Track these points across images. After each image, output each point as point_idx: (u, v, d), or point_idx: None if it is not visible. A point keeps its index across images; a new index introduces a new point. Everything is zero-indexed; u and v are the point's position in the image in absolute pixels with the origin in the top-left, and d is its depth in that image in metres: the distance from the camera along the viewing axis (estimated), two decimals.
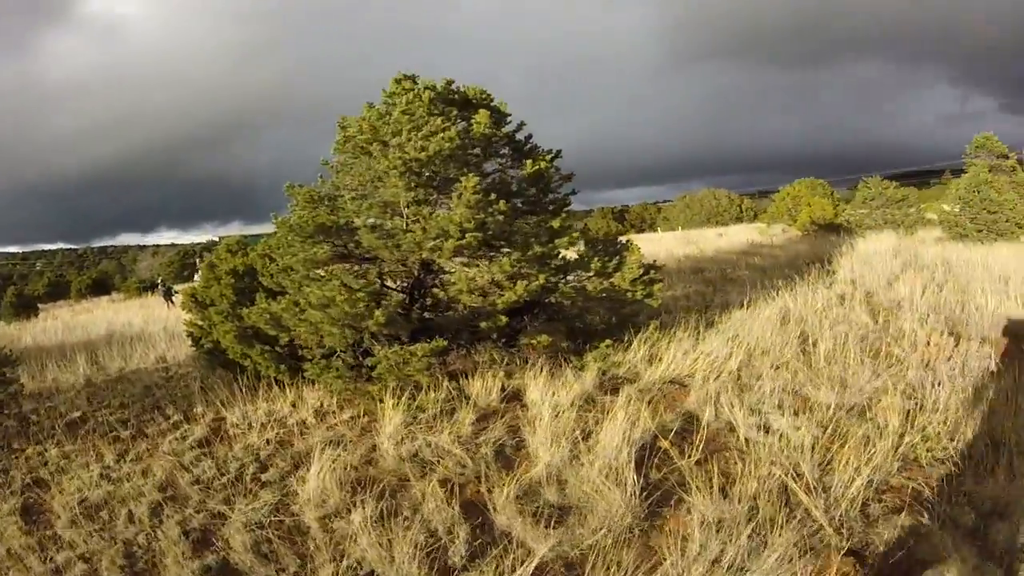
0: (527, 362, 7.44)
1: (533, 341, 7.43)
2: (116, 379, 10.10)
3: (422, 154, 6.52)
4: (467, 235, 6.45)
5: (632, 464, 5.00)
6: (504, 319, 6.99)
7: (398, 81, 7.78)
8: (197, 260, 24.50)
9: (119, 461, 6.49)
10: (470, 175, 6.55)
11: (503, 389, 6.95)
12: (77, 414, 8.16)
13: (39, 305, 35.44)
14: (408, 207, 6.73)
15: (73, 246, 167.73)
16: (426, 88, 7.49)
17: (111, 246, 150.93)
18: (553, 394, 6.55)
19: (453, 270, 7.03)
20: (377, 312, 5.98)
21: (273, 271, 7.28)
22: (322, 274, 6.75)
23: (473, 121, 7.35)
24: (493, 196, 6.60)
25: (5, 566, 4.93)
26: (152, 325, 15.34)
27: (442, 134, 6.67)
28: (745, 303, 10.35)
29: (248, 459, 6.17)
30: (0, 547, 5.17)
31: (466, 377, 7.26)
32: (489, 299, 6.89)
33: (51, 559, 4.94)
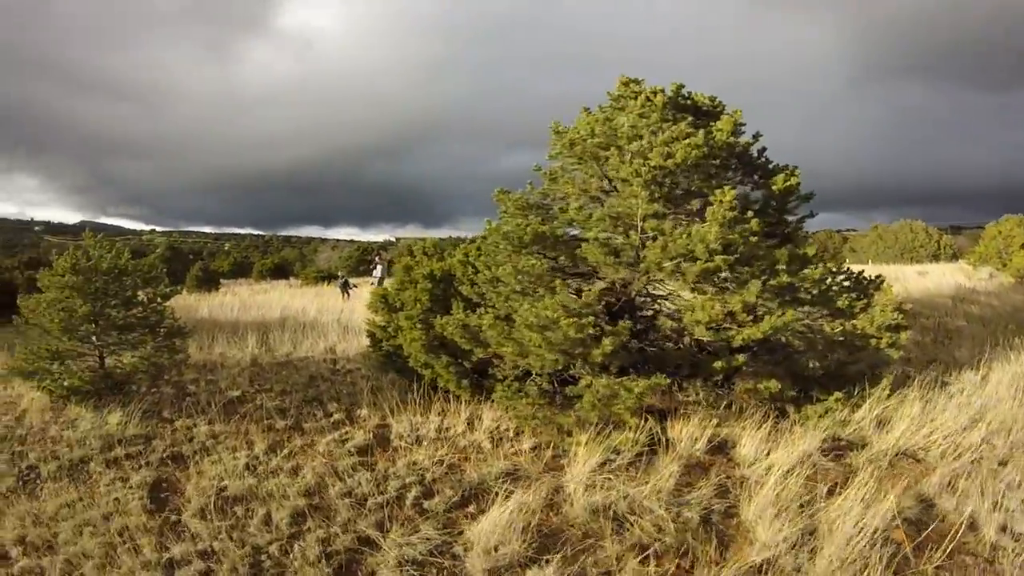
0: (733, 407, 6.53)
1: (757, 386, 6.20)
2: (282, 364, 9.87)
3: (668, 161, 5.51)
4: (716, 257, 5.34)
5: (868, 562, 4.21)
6: (741, 359, 5.86)
7: (625, 84, 6.88)
8: (376, 258, 24.88)
9: (269, 453, 5.98)
10: (726, 188, 5.55)
11: (710, 438, 6.01)
12: (236, 393, 7.87)
13: (221, 280, 38.11)
14: (644, 221, 5.69)
15: (260, 232, 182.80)
16: (656, 92, 6.47)
17: (295, 236, 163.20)
18: (769, 452, 5.72)
19: (683, 297, 5.94)
20: (605, 341, 4.99)
21: (479, 280, 6.49)
22: (541, 291, 5.84)
23: (714, 128, 6.23)
24: (748, 213, 5.45)
25: (114, 546, 4.40)
26: (325, 315, 15.34)
27: (688, 140, 5.61)
28: (976, 363, 8.73)
29: (411, 479, 5.42)
30: (116, 522, 4.69)
31: (665, 418, 6.30)
32: (720, 334, 5.75)
33: (167, 548, 4.39)
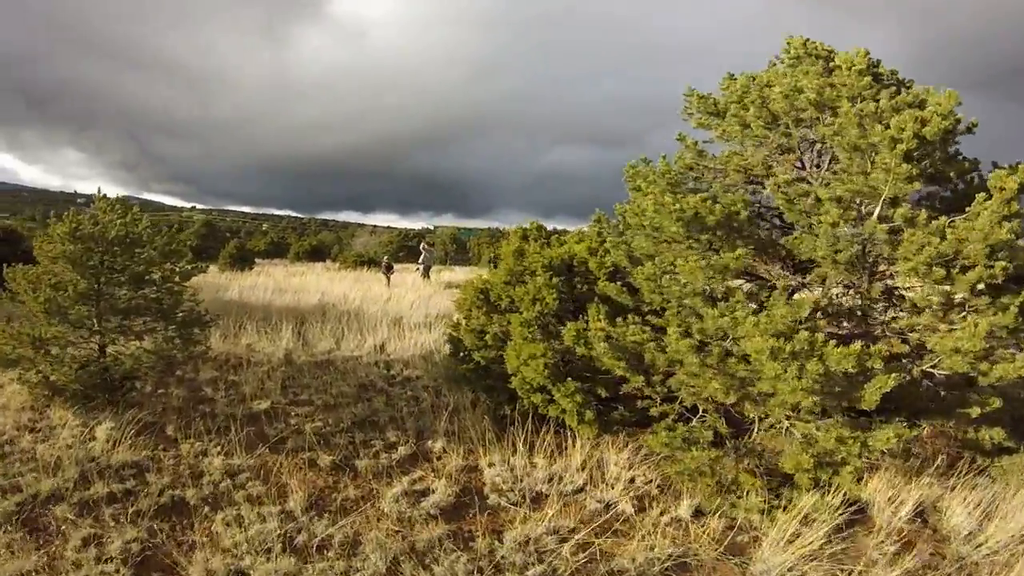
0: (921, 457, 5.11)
1: (975, 434, 4.71)
2: (321, 364, 8.14)
3: (925, 129, 3.65)
4: (996, 264, 3.50)
5: None
6: (996, 402, 4.34)
7: (803, 45, 5.14)
8: (424, 244, 23.13)
9: (310, 511, 4.24)
10: (1001, 172, 3.61)
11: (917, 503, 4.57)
12: (264, 405, 6.15)
13: (256, 260, 36.84)
14: (892, 207, 3.79)
15: (298, 215, 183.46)
16: (853, 56, 4.65)
17: (332, 220, 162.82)
18: (981, 523, 4.39)
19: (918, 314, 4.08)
20: (889, 379, 3.20)
21: (636, 277, 4.61)
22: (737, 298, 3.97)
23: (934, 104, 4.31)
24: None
25: None
26: (370, 304, 13.61)
27: (933, 108, 3.77)
28: None
29: (534, 569, 3.60)
30: None
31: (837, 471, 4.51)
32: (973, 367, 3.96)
33: None
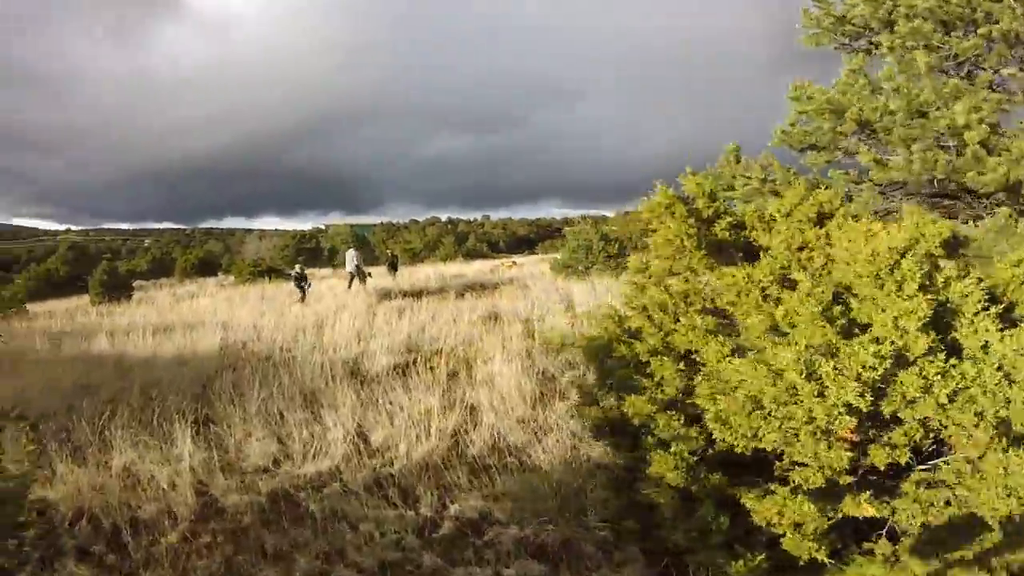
0: None
1: None
2: (264, 512, 4.22)
3: None
4: None
5: None
6: None
7: None
8: (351, 250, 18.52)
9: None
10: None
11: None
12: None
13: (139, 282, 31.20)
14: None
15: (180, 226, 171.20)
16: None
17: (217, 228, 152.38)
18: None
19: None
20: None
21: None
22: None
23: None
24: None
25: None
26: (300, 337, 9.41)
27: None
28: None
29: None
30: None
31: None
32: None
33: None
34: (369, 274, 17.75)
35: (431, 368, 7.18)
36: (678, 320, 3.48)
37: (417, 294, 14.85)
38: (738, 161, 5.92)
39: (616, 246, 16.68)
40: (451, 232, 69.34)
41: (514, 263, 24.35)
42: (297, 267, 17.63)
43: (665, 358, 3.43)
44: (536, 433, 5.43)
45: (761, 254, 3.42)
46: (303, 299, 15.55)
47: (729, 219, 3.61)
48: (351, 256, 17.61)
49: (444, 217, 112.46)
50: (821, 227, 3.29)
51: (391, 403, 6.13)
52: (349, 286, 16.94)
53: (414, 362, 7.52)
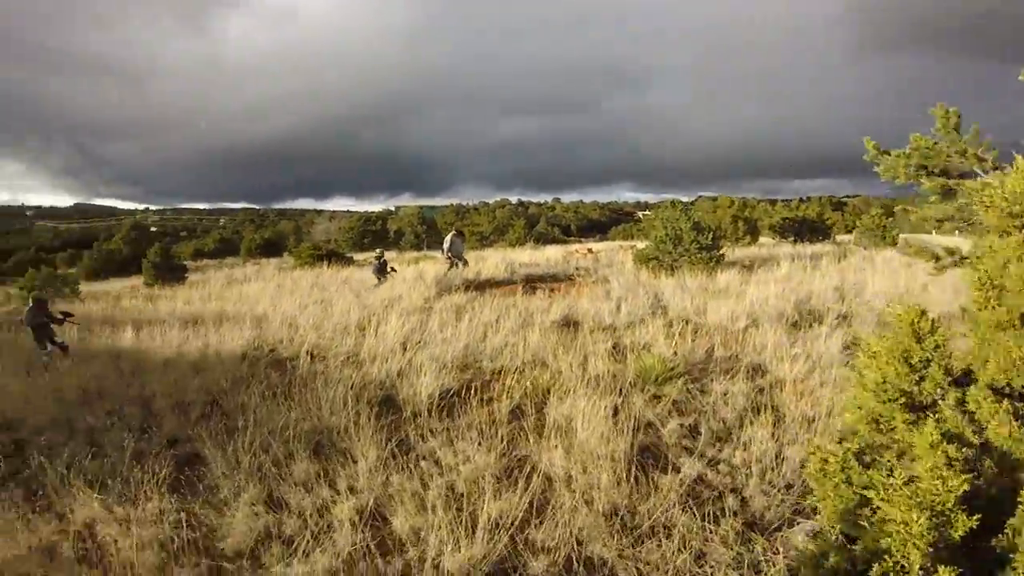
0: None
1: None
2: None
3: None
4: None
5: None
6: None
7: None
8: (453, 230, 16.78)
9: None
10: None
11: None
12: None
13: (204, 262, 30.60)
14: None
15: (255, 206, 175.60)
16: None
17: (290, 208, 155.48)
18: None
19: None
20: None
21: None
22: None
23: None
24: None
25: None
26: (343, 336, 7.73)
27: None
28: None
29: None
30: None
31: None
32: None
33: None
34: (466, 261, 16.07)
35: (487, 401, 5.39)
36: None
37: (481, 286, 13.03)
38: (957, 130, 4.00)
39: (710, 236, 14.31)
40: (521, 215, 67.82)
41: (589, 250, 22.23)
42: (377, 253, 16.05)
43: None
44: (633, 537, 3.59)
45: None
46: (378, 284, 14.01)
47: None
48: (449, 241, 15.97)
49: (514, 200, 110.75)
50: None
51: (426, 457, 4.39)
52: (447, 271, 15.29)
53: (468, 388, 5.75)
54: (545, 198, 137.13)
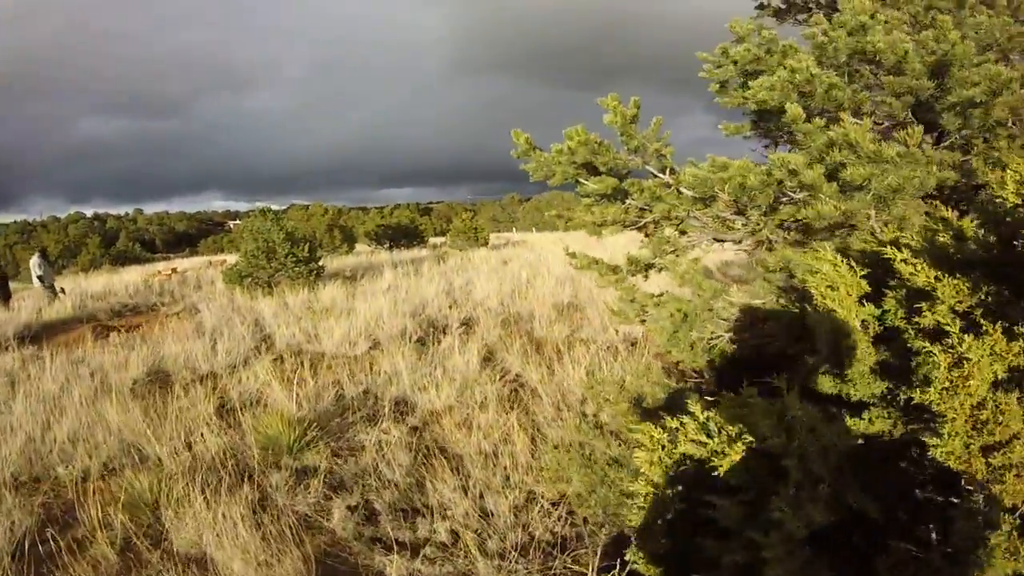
0: None
1: None
2: None
3: None
4: None
5: None
6: None
7: None
8: (37, 252, 13.05)
9: None
10: None
11: None
12: None
13: None
14: None
15: None
16: None
17: None
18: None
19: None
20: None
21: None
22: None
23: None
24: None
25: None
26: None
27: None
28: None
29: None
30: None
31: None
32: None
33: None
34: (62, 289, 13.01)
35: (74, 546, 3.48)
36: None
37: (40, 335, 9.78)
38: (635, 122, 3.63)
39: (306, 247, 13.11)
40: (98, 230, 60.03)
41: (174, 270, 19.04)
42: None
43: None
44: None
45: None
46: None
47: None
48: (38, 264, 12.77)
49: (90, 213, 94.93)
50: None
51: None
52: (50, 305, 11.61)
53: (46, 521, 3.72)
54: (126, 209, 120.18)
